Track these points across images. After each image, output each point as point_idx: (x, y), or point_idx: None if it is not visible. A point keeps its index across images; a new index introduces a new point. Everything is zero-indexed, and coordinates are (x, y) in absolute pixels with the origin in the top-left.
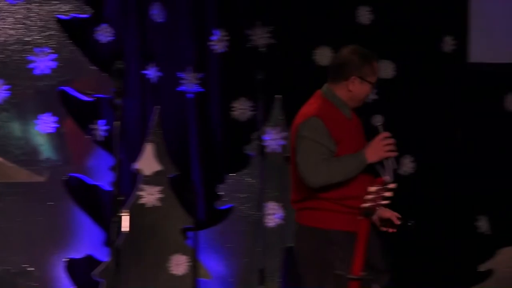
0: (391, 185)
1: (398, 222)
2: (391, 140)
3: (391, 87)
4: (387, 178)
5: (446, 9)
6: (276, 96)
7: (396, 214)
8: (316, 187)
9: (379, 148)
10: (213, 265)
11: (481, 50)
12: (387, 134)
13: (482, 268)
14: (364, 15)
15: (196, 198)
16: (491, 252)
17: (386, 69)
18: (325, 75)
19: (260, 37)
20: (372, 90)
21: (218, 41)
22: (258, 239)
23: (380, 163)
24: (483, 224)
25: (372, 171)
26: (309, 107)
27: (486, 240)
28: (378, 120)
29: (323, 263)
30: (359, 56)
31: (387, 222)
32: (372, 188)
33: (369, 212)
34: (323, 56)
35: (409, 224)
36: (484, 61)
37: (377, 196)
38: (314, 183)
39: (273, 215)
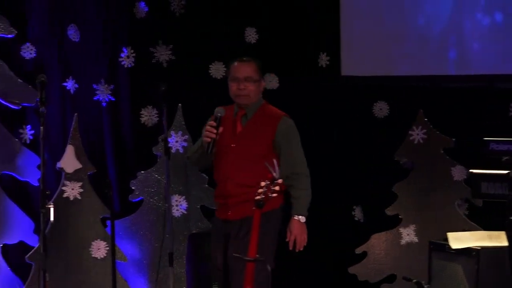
0: (279, 181)
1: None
2: (211, 129)
3: (276, 97)
4: (275, 175)
5: (321, 30)
6: (178, 104)
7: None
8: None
9: (203, 133)
10: (129, 250)
11: (351, 65)
12: (212, 123)
13: (358, 250)
14: (251, 35)
15: (112, 192)
16: (365, 237)
17: (272, 81)
18: (219, 87)
19: (162, 54)
20: (237, 86)
21: (126, 58)
22: (166, 227)
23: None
24: (358, 213)
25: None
26: None
27: (361, 227)
28: (220, 111)
29: None
30: (230, 62)
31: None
32: (263, 183)
33: (260, 203)
34: (217, 70)
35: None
36: (354, 74)
37: (267, 190)
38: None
39: (178, 206)
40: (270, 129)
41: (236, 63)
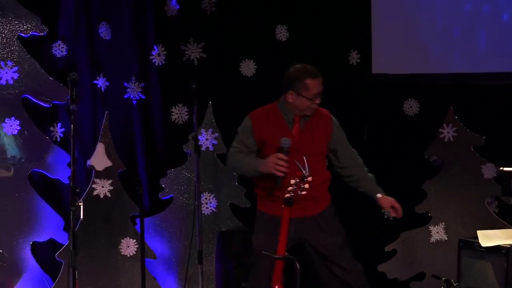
0: (309, 179)
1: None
2: (283, 163)
3: None
4: (305, 172)
5: (352, 28)
6: (208, 102)
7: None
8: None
9: (270, 165)
10: (158, 247)
11: (382, 63)
12: (283, 157)
13: (388, 248)
14: (282, 33)
15: (142, 190)
16: (395, 235)
17: None
18: (249, 85)
19: (193, 51)
20: (314, 102)
21: (157, 55)
22: (195, 225)
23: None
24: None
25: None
26: (259, 108)
27: (391, 225)
28: (286, 143)
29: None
30: (293, 74)
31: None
32: (292, 181)
33: (290, 201)
34: (247, 68)
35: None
36: (385, 72)
37: (296, 187)
38: (227, 163)
39: (208, 204)
40: (327, 127)
41: (313, 81)
